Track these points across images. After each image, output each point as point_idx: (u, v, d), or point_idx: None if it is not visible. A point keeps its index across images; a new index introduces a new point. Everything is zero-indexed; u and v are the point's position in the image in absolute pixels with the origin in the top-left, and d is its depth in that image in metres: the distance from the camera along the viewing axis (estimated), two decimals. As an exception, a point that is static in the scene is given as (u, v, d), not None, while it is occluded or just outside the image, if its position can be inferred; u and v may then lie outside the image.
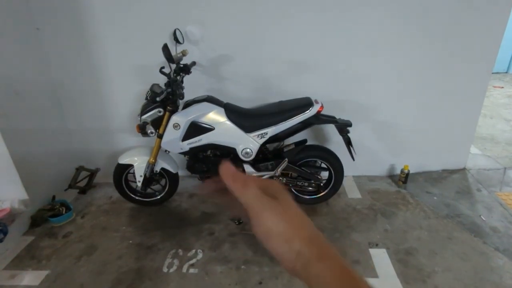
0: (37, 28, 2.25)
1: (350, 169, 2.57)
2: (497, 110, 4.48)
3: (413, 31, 2.24)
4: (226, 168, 0.33)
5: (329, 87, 2.40)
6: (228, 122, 2.03)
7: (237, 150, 2.08)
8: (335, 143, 2.49)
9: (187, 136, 2.05)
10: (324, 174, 2.34)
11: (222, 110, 2.05)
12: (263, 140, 2.07)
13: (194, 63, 2.18)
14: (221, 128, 2.03)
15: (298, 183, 2.25)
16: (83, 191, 2.59)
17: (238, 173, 0.33)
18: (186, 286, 1.74)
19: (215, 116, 2.03)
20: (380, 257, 1.89)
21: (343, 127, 2.09)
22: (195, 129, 2.04)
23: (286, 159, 2.13)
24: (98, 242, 2.08)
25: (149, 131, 2.05)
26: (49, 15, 2.22)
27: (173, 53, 1.92)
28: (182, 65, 2.01)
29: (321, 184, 2.30)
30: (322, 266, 0.30)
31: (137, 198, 2.40)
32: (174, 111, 2.03)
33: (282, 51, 2.32)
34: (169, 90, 1.96)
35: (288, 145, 2.26)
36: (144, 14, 2.21)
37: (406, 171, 2.53)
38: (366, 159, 2.62)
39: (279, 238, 0.31)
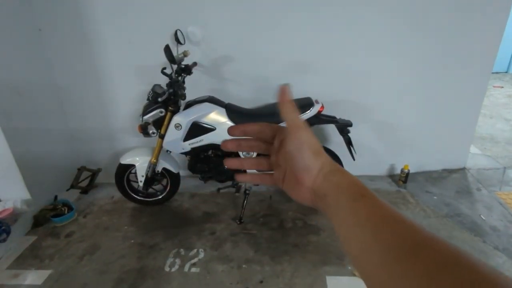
0: (39, 29, 2.26)
1: (351, 168, 2.53)
2: (497, 109, 4.49)
3: (413, 31, 2.25)
4: (283, 90, 0.37)
5: (329, 87, 2.41)
6: (229, 123, 2.05)
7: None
8: (336, 143, 2.51)
9: (188, 136, 2.06)
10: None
11: (223, 110, 2.06)
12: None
13: (195, 64, 2.19)
14: (223, 128, 2.04)
15: (298, 182, 2.26)
16: (85, 191, 2.60)
17: (289, 99, 0.38)
18: (188, 285, 1.75)
19: (217, 117, 2.05)
20: (380, 256, 1.90)
21: (344, 127, 2.10)
22: (196, 129, 2.05)
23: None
24: (100, 241, 2.09)
25: (150, 132, 2.07)
26: (51, 16, 2.23)
27: (174, 54, 1.93)
28: (183, 66, 2.02)
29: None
30: (341, 176, 0.35)
31: (138, 198, 2.41)
32: (175, 111, 2.04)
33: (282, 51, 2.33)
34: (171, 90, 1.98)
35: (289, 145, 2.26)
36: (145, 15, 2.22)
37: (406, 170, 2.54)
38: (366, 159, 2.63)
39: (310, 150, 0.36)
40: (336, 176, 0.35)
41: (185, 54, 2.10)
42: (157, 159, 2.16)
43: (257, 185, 2.24)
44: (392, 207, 0.30)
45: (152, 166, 2.17)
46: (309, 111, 2.02)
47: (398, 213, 0.29)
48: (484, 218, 2.20)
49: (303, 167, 0.36)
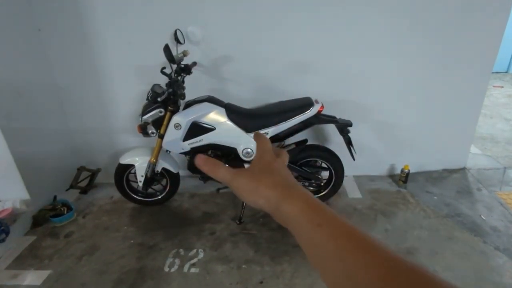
0: (39, 29, 2.26)
1: (351, 169, 2.57)
2: (497, 109, 4.49)
3: (413, 31, 2.25)
4: (199, 160, 0.40)
5: (329, 87, 2.41)
6: (229, 122, 2.04)
7: (238, 150, 2.09)
8: (336, 143, 2.50)
9: (188, 136, 2.06)
10: (325, 174, 2.35)
11: (223, 110, 2.05)
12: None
13: (195, 64, 2.19)
14: (222, 128, 2.04)
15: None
16: (84, 191, 2.60)
17: (207, 159, 0.40)
18: (188, 285, 1.75)
19: (216, 116, 2.04)
20: (380, 257, 1.90)
21: (344, 127, 2.10)
22: (196, 129, 2.04)
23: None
24: (99, 242, 2.09)
25: (150, 131, 2.06)
26: (50, 16, 2.23)
27: (174, 53, 1.93)
28: (183, 66, 2.02)
29: (322, 184, 2.31)
30: (289, 204, 0.34)
31: (138, 198, 2.41)
32: (175, 111, 2.04)
33: (282, 51, 2.32)
34: (170, 90, 1.97)
35: (289, 145, 2.27)
36: (145, 15, 2.22)
37: (406, 170, 2.54)
38: (366, 159, 2.63)
39: (247, 192, 0.37)
40: (285, 206, 0.34)
41: (184, 54, 2.10)
42: (156, 159, 2.16)
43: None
44: (351, 229, 0.30)
45: (152, 166, 2.17)
46: (308, 111, 2.02)
47: (361, 235, 0.29)
48: (484, 218, 2.20)
49: (254, 205, 0.37)
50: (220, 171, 0.39)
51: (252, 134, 2.06)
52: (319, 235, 0.30)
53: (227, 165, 0.39)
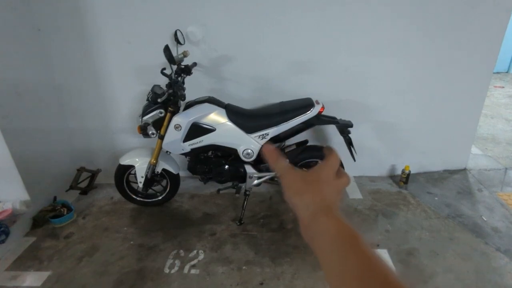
0: (38, 29, 2.26)
1: (351, 169, 2.57)
2: (498, 110, 4.48)
3: (414, 31, 2.24)
4: (266, 148, 0.43)
5: (330, 87, 2.40)
6: (229, 123, 2.04)
7: (238, 151, 2.08)
8: (336, 144, 2.50)
9: (188, 137, 2.05)
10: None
11: (223, 111, 2.05)
12: (264, 141, 2.07)
13: (195, 64, 2.18)
14: (222, 129, 2.03)
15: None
16: (84, 192, 2.59)
17: (274, 150, 0.42)
18: (188, 286, 1.74)
19: (216, 117, 2.04)
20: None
21: (344, 128, 2.09)
22: (196, 130, 2.04)
23: (288, 159, 2.13)
24: (99, 243, 2.08)
25: (150, 132, 2.06)
26: (50, 15, 2.22)
27: (174, 54, 1.92)
28: (183, 66, 2.01)
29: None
30: (327, 221, 0.34)
31: (138, 199, 2.40)
32: (175, 112, 2.03)
33: (283, 52, 2.32)
34: (170, 91, 1.97)
35: (290, 146, 2.26)
36: (145, 15, 2.21)
37: (407, 171, 2.53)
38: (367, 160, 2.62)
39: (293, 191, 0.38)
40: (325, 221, 0.35)
41: (184, 55, 2.10)
42: (156, 160, 2.16)
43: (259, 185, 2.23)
44: (382, 263, 0.30)
45: (152, 167, 2.16)
46: (309, 111, 2.01)
47: (387, 267, 0.30)
48: (485, 219, 2.19)
49: (293, 205, 0.38)
50: (279, 163, 0.41)
51: (253, 135, 2.05)
52: (346, 262, 0.31)
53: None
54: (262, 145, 0.42)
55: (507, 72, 6.98)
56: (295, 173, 0.40)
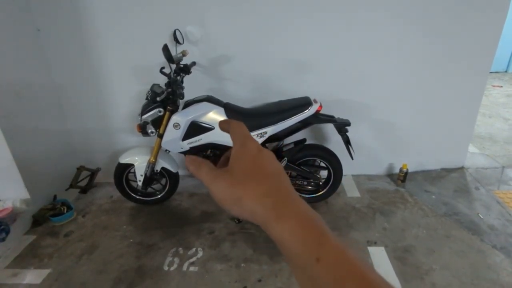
0: (38, 29, 2.27)
1: (349, 168, 2.58)
2: (496, 109, 4.50)
3: (411, 30, 2.26)
4: (187, 160, 0.34)
5: (328, 86, 2.41)
6: (228, 122, 2.05)
7: (236, 149, 2.09)
8: (334, 142, 2.51)
9: (187, 135, 2.07)
10: (323, 173, 2.36)
11: (222, 109, 2.06)
12: (263, 139, 2.08)
13: (194, 63, 2.20)
14: (221, 127, 2.04)
15: (297, 182, 2.27)
16: (84, 190, 2.61)
17: (195, 159, 0.34)
18: (187, 284, 1.76)
19: (215, 116, 2.05)
20: (378, 255, 1.91)
21: (342, 127, 2.10)
22: (195, 128, 2.05)
23: (286, 158, 2.15)
24: (99, 241, 2.10)
25: (149, 131, 2.07)
26: (49, 16, 2.24)
27: (173, 53, 1.94)
28: (182, 65, 2.03)
29: (320, 183, 2.32)
30: (280, 226, 0.27)
31: (137, 197, 2.42)
32: (174, 111, 2.04)
33: (281, 51, 2.33)
34: (169, 90, 1.98)
35: (288, 145, 2.27)
36: (144, 15, 2.23)
37: (404, 170, 2.55)
38: (365, 158, 2.64)
39: (228, 202, 0.31)
40: (275, 229, 0.27)
41: (183, 54, 2.11)
42: (156, 158, 2.17)
43: None
44: (357, 268, 0.24)
45: (151, 165, 2.17)
46: (307, 110, 2.02)
47: (366, 270, 0.24)
48: (482, 217, 2.21)
49: (237, 215, 0.31)
50: (203, 172, 0.32)
51: (251, 133, 2.06)
52: (317, 272, 0.24)
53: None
54: (186, 159, 0.36)
55: (505, 71, 6.99)
56: (219, 176, 0.31)
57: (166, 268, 1.86)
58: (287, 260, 0.27)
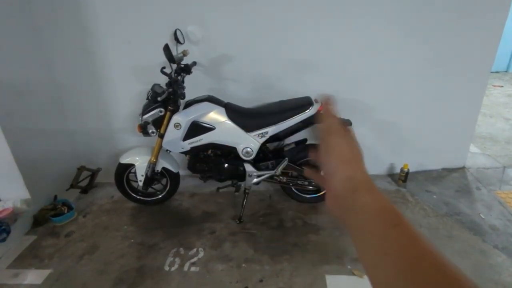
0: (38, 29, 2.26)
1: (350, 168, 2.57)
2: (497, 109, 4.49)
3: (412, 30, 2.25)
4: (326, 99, 0.41)
5: (329, 86, 2.41)
6: (229, 122, 2.05)
7: (237, 149, 2.09)
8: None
9: (188, 135, 2.07)
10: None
11: (223, 109, 2.06)
12: (264, 139, 2.08)
13: (194, 63, 2.19)
14: (222, 127, 2.05)
15: (298, 182, 2.27)
16: (84, 190, 2.60)
17: (330, 107, 0.41)
18: (188, 284, 1.75)
19: (216, 116, 2.05)
20: (380, 255, 1.91)
21: (343, 126, 2.10)
22: (196, 128, 2.05)
23: (287, 158, 2.14)
24: (100, 241, 2.09)
25: (150, 131, 2.07)
26: (50, 15, 2.23)
27: (174, 53, 1.93)
28: (183, 65, 2.02)
29: (321, 183, 2.31)
30: (369, 198, 0.31)
31: (138, 197, 2.42)
32: (175, 111, 2.04)
33: (282, 51, 2.33)
34: (170, 90, 1.98)
35: (289, 144, 2.27)
36: (145, 15, 2.22)
37: (405, 170, 2.55)
38: (365, 158, 2.52)
39: (346, 157, 0.35)
40: (366, 196, 0.32)
41: (184, 54, 2.10)
42: (156, 158, 2.17)
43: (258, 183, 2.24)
44: (427, 242, 0.27)
45: (152, 165, 2.17)
46: (308, 110, 2.02)
47: (435, 250, 0.26)
48: (483, 217, 2.20)
49: (329, 172, 0.35)
50: (331, 119, 0.39)
51: (252, 134, 2.06)
52: (393, 235, 0.28)
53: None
54: (323, 99, 0.39)
55: (506, 71, 6.99)
56: (342, 140, 0.36)
57: (167, 268, 1.86)
58: (353, 226, 0.31)
